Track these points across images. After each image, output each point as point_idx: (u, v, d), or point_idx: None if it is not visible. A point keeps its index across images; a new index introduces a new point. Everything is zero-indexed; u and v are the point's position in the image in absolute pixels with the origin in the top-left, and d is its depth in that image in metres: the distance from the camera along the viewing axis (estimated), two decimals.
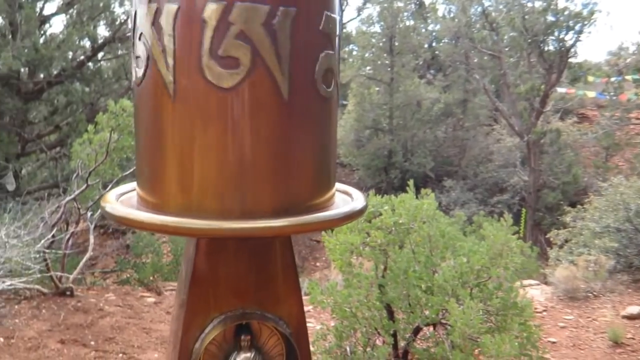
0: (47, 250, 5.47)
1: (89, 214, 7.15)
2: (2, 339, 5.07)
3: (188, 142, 1.21)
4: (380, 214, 4.09)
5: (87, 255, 6.98)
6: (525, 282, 7.39)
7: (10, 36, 10.33)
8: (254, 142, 1.21)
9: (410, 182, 4.53)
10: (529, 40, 14.74)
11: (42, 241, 4.90)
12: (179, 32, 1.19)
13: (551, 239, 9.03)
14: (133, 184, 1.45)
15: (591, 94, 16.65)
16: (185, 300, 1.35)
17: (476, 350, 3.94)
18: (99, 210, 7.36)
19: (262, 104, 1.20)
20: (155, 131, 1.26)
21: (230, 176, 1.20)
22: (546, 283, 7.65)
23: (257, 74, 1.18)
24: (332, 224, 1.37)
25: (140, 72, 1.26)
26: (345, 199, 1.47)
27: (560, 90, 16.12)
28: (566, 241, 8.61)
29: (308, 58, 1.24)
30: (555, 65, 14.69)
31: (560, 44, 14.76)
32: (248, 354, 1.39)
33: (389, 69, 17.75)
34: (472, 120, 18.41)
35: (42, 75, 11.56)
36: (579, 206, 9.17)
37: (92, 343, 5.25)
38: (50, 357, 4.83)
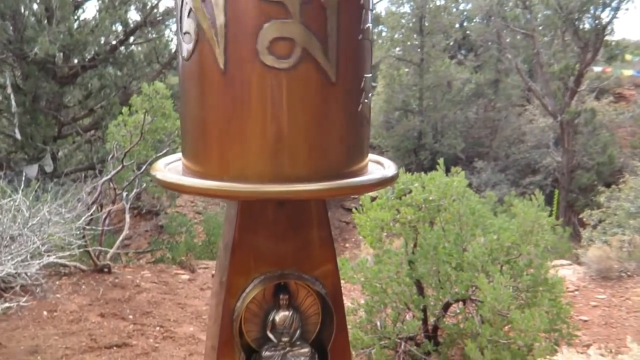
0: (87, 227, 5.67)
1: (124, 194, 7.35)
2: (45, 312, 5.29)
3: (233, 113, 1.27)
4: (410, 191, 4.13)
5: (124, 234, 7.20)
6: (557, 262, 7.35)
7: (46, 22, 10.56)
8: (295, 115, 1.27)
9: (440, 161, 4.54)
10: (564, 18, 14.39)
11: (83, 218, 5.08)
12: (230, 6, 1.24)
13: (584, 219, 8.92)
14: (178, 155, 1.53)
15: (628, 72, 16.22)
16: (228, 262, 1.43)
17: (506, 327, 3.97)
18: (134, 191, 7.57)
19: (307, 81, 1.26)
20: (201, 103, 1.33)
21: (271, 145, 1.27)
22: (579, 263, 7.59)
23: (305, 54, 1.24)
24: (364, 189, 1.43)
25: (189, 47, 1.32)
26: (378, 167, 1.52)
27: (596, 69, 15.73)
28: (600, 221, 8.50)
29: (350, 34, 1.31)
30: (590, 43, 14.34)
31: (596, 21, 14.38)
32: (286, 313, 1.46)
33: (418, 49, 17.57)
34: (504, 101, 18.14)
35: (76, 60, 11.80)
36: (613, 186, 9.02)
37: (130, 317, 5.44)
38: (91, 329, 5.03)
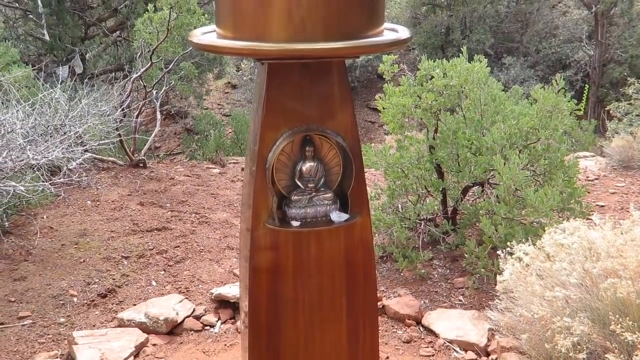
0: (125, 118, 5.91)
1: (154, 92, 7.55)
2: (89, 202, 5.69)
3: None
4: (432, 78, 4.22)
5: (156, 130, 7.49)
6: (581, 154, 7.44)
7: None
8: None
9: (464, 48, 4.58)
10: None
11: (118, 111, 5.32)
12: None
13: (611, 111, 8.86)
14: (212, 26, 1.69)
15: None
16: (260, 120, 1.63)
17: (522, 211, 4.18)
18: (163, 89, 7.77)
19: None
20: None
21: (295, 10, 1.41)
22: (602, 155, 7.66)
23: None
24: (380, 48, 1.57)
25: None
26: (393, 33, 1.66)
27: None
28: (626, 114, 8.46)
29: None
30: None
31: None
32: (312, 163, 1.68)
33: None
34: None
35: None
36: None
37: (168, 205, 5.80)
38: (132, 215, 5.42)
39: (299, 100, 1.61)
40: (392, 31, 1.65)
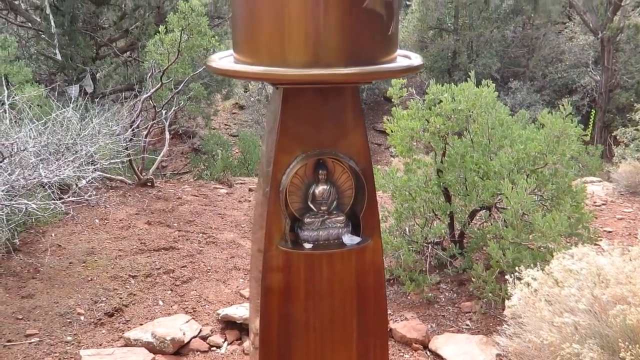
0: (130, 141, 5.98)
1: (163, 112, 7.63)
2: (97, 220, 5.72)
3: (279, 9, 1.45)
4: (440, 102, 4.26)
5: (165, 149, 7.55)
6: (588, 178, 7.44)
7: None
8: (332, 10, 1.44)
9: (472, 73, 4.62)
10: None
11: (129, 130, 5.38)
12: None
13: (618, 137, 8.88)
14: (229, 51, 1.74)
15: None
16: (274, 143, 1.66)
17: (530, 236, 4.18)
18: (172, 109, 7.85)
19: None
20: (251, 4, 1.50)
21: (311, 37, 1.45)
22: (609, 180, 7.66)
23: None
24: (393, 74, 1.60)
25: None
26: (406, 59, 1.70)
27: None
28: (633, 139, 8.47)
29: None
30: None
31: None
32: (325, 186, 1.70)
33: None
34: (543, 18, 17.48)
35: None
36: None
37: (175, 224, 5.83)
38: (140, 234, 5.44)
39: (313, 124, 1.65)
40: (405, 57, 1.69)
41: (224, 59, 1.70)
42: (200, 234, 5.62)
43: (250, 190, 7.45)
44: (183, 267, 4.80)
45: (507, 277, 3.31)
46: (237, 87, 14.67)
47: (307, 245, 1.73)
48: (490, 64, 16.29)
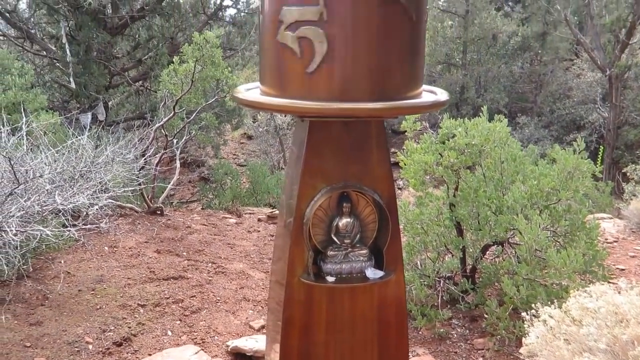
0: (142, 169, 6.02)
1: (174, 141, 7.69)
2: (107, 248, 5.71)
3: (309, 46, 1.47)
4: (454, 136, 4.28)
5: (175, 178, 7.58)
6: (598, 215, 7.39)
7: None
8: (359, 44, 1.46)
9: (484, 108, 4.65)
10: None
11: (143, 158, 5.42)
12: None
13: (627, 173, 8.86)
14: (255, 83, 1.76)
15: None
16: (299, 175, 1.66)
17: (544, 271, 4.14)
18: (184, 138, 7.91)
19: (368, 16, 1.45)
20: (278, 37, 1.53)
21: (338, 70, 1.47)
22: (619, 217, 7.61)
23: None
24: (419, 110, 1.61)
25: None
26: (431, 95, 1.71)
27: None
28: None
29: None
30: None
31: None
32: (348, 219, 1.70)
33: (464, 0, 17.19)
34: (551, 54, 17.67)
35: (125, 11, 12.09)
36: None
37: (184, 254, 5.81)
38: (149, 263, 5.42)
39: (338, 157, 1.65)
40: (431, 93, 1.71)
41: (250, 91, 1.71)
42: (210, 264, 5.60)
43: (259, 220, 7.45)
44: (192, 297, 4.76)
45: (521, 314, 3.26)
46: (246, 117, 14.81)
47: (330, 279, 1.72)
48: (498, 99, 16.40)
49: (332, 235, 1.71)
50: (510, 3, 19.51)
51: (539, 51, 17.83)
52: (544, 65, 17.85)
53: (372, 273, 1.73)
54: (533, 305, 3.13)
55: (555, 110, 16.29)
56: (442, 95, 1.65)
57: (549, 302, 3.18)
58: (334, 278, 1.71)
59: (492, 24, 16.66)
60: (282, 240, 1.76)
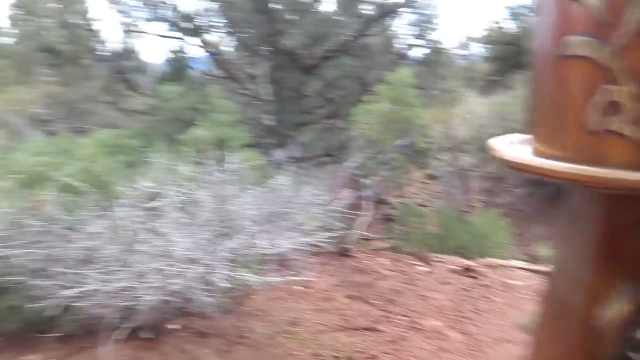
0: (335, 210, 5.95)
1: (366, 181, 7.62)
2: (301, 287, 5.70)
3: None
4: None
5: (367, 220, 7.47)
6: None
7: (292, 15, 11.48)
8: None
9: None
10: None
11: (343, 203, 5.34)
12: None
13: None
14: (516, 135, 1.40)
15: None
16: (592, 266, 1.26)
17: None
18: (375, 179, 7.81)
19: None
20: (564, 82, 1.18)
21: None
22: None
23: None
24: None
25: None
26: None
27: None
28: None
29: None
30: None
31: None
32: None
33: None
34: None
35: (317, 51, 12.60)
36: None
37: (375, 302, 5.58)
38: (341, 308, 5.27)
39: None
40: None
41: (515, 147, 1.37)
42: (402, 316, 5.28)
43: (452, 271, 6.96)
44: (386, 353, 4.47)
45: None
46: (432, 157, 14.45)
47: None
48: None
49: (627, 351, 1.27)
50: None
51: None
52: None
53: None
54: None
55: None
56: None
57: None
58: None
59: None
60: (550, 347, 1.35)
